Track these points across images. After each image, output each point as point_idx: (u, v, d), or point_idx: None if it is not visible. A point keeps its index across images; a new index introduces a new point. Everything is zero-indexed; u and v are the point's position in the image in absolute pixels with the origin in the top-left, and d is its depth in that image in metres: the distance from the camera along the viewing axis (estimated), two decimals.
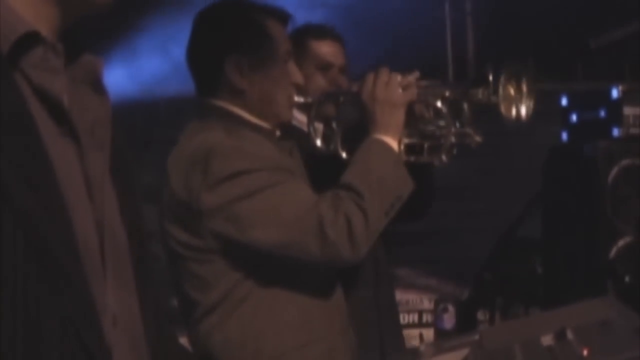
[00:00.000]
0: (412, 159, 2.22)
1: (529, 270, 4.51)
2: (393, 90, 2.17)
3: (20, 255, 1.04)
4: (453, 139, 2.20)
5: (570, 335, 1.62)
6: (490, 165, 5.18)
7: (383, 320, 2.51)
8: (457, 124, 2.22)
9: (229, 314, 2.13)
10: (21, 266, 1.04)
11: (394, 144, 2.16)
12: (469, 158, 5.01)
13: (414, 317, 5.18)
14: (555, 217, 3.98)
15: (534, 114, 2.22)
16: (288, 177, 2.12)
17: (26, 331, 1.04)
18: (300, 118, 2.38)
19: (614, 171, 3.64)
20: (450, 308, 5.11)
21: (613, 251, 3.68)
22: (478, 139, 2.20)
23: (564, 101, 3.81)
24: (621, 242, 3.69)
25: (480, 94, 2.17)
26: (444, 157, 2.21)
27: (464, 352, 1.71)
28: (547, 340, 1.63)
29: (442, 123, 2.22)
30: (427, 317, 5.19)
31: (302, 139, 2.34)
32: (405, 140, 2.21)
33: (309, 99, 2.28)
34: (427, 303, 5.30)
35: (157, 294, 1.34)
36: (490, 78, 2.15)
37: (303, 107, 2.32)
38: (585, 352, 1.50)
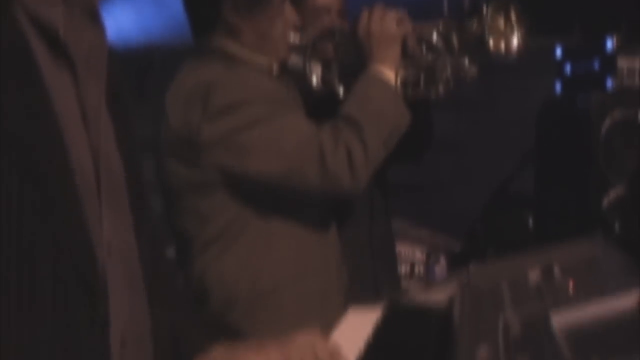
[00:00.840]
0: (409, 92, 2.24)
1: (520, 223, 4.53)
2: (388, 24, 2.19)
3: (16, 182, 1.05)
4: (449, 72, 2.23)
5: (557, 271, 1.64)
6: (484, 119, 5.18)
7: (377, 259, 2.54)
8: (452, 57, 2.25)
9: (226, 248, 2.16)
10: (16, 192, 1.05)
11: (391, 76, 2.18)
12: (462, 111, 4.98)
13: (406, 269, 5.21)
14: (548, 169, 3.99)
15: (526, 56, 2.23)
16: (287, 109, 2.14)
17: (20, 258, 1.05)
18: (297, 61, 2.39)
19: (607, 123, 3.64)
20: (442, 260, 5.15)
21: (605, 203, 3.69)
22: (474, 71, 2.22)
23: (558, 52, 3.80)
24: (613, 194, 3.70)
25: (474, 26, 2.18)
26: (440, 90, 2.24)
27: (453, 288, 1.74)
28: (534, 276, 1.65)
29: (437, 56, 2.24)
30: (419, 269, 5.22)
31: (299, 81, 2.36)
32: (402, 74, 2.23)
33: (305, 39, 2.29)
34: (419, 255, 5.33)
35: (153, 227, 1.36)
36: (485, 11, 2.16)
37: (299, 49, 2.33)
38: (570, 287, 1.52)
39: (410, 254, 5.51)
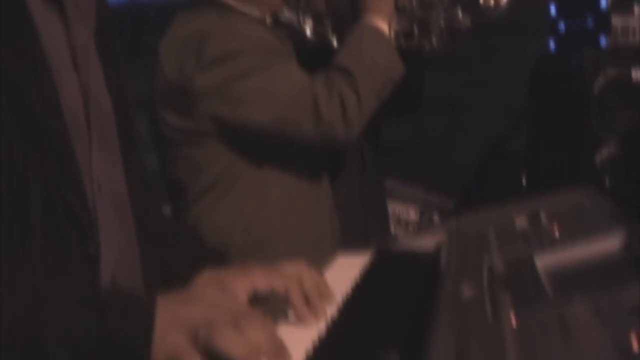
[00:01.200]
0: (403, 43, 2.25)
1: (514, 181, 4.55)
2: None
3: (6, 120, 1.06)
4: (442, 23, 2.23)
5: (543, 218, 1.66)
6: (478, 78, 5.19)
7: (368, 215, 2.56)
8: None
9: (220, 197, 2.18)
10: (7, 129, 1.06)
11: (384, 27, 2.19)
12: (457, 70, 4.98)
13: (400, 228, 5.24)
14: (540, 126, 4.01)
15: (520, 14, 2.24)
16: (281, 59, 2.15)
17: (12, 193, 1.07)
18: (290, 13, 2.40)
19: (600, 81, 3.64)
20: (436, 219, 5.18)
21: (597, 160, 3.71)
22: (467, 22, 2.23)
23: (553, 10, 3.80)
24: (605, 151, 3.72)
25: None
26: (434, 41, 2.24)
27: (441, 236, 1.76)
28: (521, 223, 1.67)
29: (430, 8, 2.24)
30: (412, 228, 5.25)
31: (293, 32, 2.36)
32: (395, 26, 2.24)
33: None
34: (413, 214, 5.35)
35: (142, 167, 1.38)
36: None
37: (293, 1, 2.33)
38: (556, 232, 1.54)
39: (404, 214, 5.54)
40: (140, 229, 1.30)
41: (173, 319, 1.02)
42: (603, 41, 3.67)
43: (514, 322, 1.05)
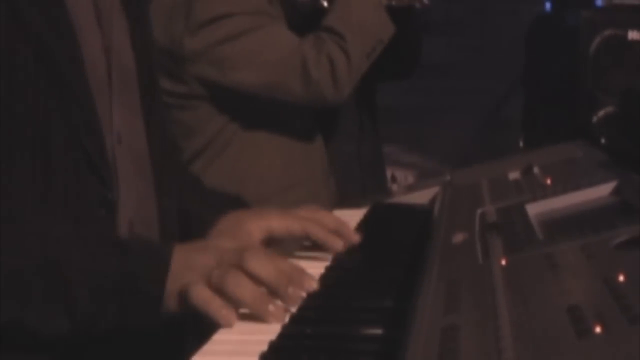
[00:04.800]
0: (393, 2, 2.25)
1: (511, 144, 4.57)
2: None
3: (32, 71, 1.12)
4: None
5: (536, 170, 1.67)
6: (476, 43, 5.19)
7: (366, 175, 2.57)
8: None
9: (212, 160, 2.19)
10: (32, 81, 1.12)
11: None
12: (454, 36, 5.01)
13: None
14: (537, 88, 4.01)
15: None
16: (270, 21, 2.15)
17: (36, 141, 1.12)
18: None
19: (596, 41, 3.63)
20: None
21: (594, 121, 3.71)
22: None
23: None
24: (601, 113, 3.72)
25: None
26: (425, 0, 2.25)
27: (435, 190, 1.77)
28: (514, 175, 1.69)
29: None
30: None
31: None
32: None
33: None
34: (411, 180, 5.37)
35: (163, 120, 1.41)
36: None
37: None
38: (548, 182, 1.56)
39: (402, 179, 5.57)
40: (158, 180, 1.33)
41: (187, 262, 1.08)
42: (599, 1, 3.66)
43: (503, 262, 1.07)
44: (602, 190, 1.42)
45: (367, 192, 2.56)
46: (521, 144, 4.61)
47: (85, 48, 1.19)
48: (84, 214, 1.15)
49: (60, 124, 1.13)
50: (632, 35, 3.63)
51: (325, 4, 2.29)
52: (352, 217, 1.63)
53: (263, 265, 1.08)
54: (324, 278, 1.21)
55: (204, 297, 1.04)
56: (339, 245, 1.31)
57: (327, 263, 1.31)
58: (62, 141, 1.14)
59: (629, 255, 1.00)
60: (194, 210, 1.43)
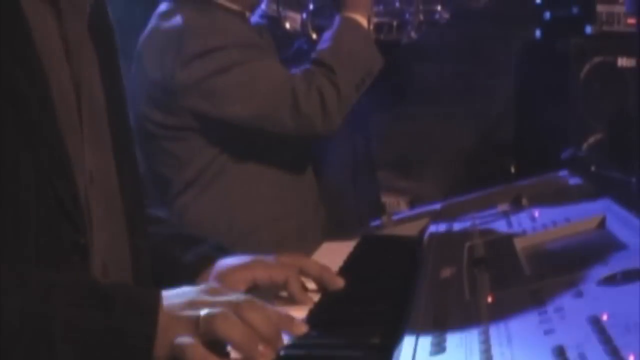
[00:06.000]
0: (382, 36, 2.27)
1: (501, 170, 4.58)
2: None
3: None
4: (421, 17, 2.26)
5: (525, 202, 1.69)
6: (466, 69, 5.20)
7: (361, 203, 2.58)
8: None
9: (203, 190, 2.20)
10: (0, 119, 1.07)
11: (363, 21, 2.22)
12: (444, 62, 4.98)
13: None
14: (527, 114, 4.03)
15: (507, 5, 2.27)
16: (260, 54, 2.17)
17: (3, 184, 1.07)
18: (271, 7, 2.42)
19: (586, 68, 3.66)
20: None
21: (584, 148, 3.73)
22: (445, 15, 2.26)
23: None
24: (592, 139, 3.73)
25: None
26: (412, 34, 2.27)
27: (424, 221, 1.78)
28: (503, 207, 1.70)
29: (409, 3, 2.27)
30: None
31: (273, 27, 2.38)
32: (375, 20, 2.26)
33: None
34: (403, 206, 5.37)
35: (134, 157, 1.38)
36: None
37: None
38: (536, 214, 1.57)
39: (394, 206, 5.57)
40: (130, 219, 1.31)
41: (174, 313, 1.04)
42: (588, 29, 3.69)
43: (490, 299, 1.08)
44: (590, 224, 1.43)
45: (363, 221, 2.56)
46: (512, 169, 4.61)
47: (55, 84, 1.15)
48: (58, 261, 1.11)
49: (29, 166, 1.09)
50: (622, 62, 3.66)
51: (315, 36, 2.31)
52: (342, 249, 1.64)
53: (255, 312, 1.07)
54: (311, 315, 1.22)
55: (200, 356, 1.01)
56: (311, 302, 1.31)
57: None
58: (33, 187, 1.09)
59: (614, 290, 1.01)
60: (167, 247, 1.42)
